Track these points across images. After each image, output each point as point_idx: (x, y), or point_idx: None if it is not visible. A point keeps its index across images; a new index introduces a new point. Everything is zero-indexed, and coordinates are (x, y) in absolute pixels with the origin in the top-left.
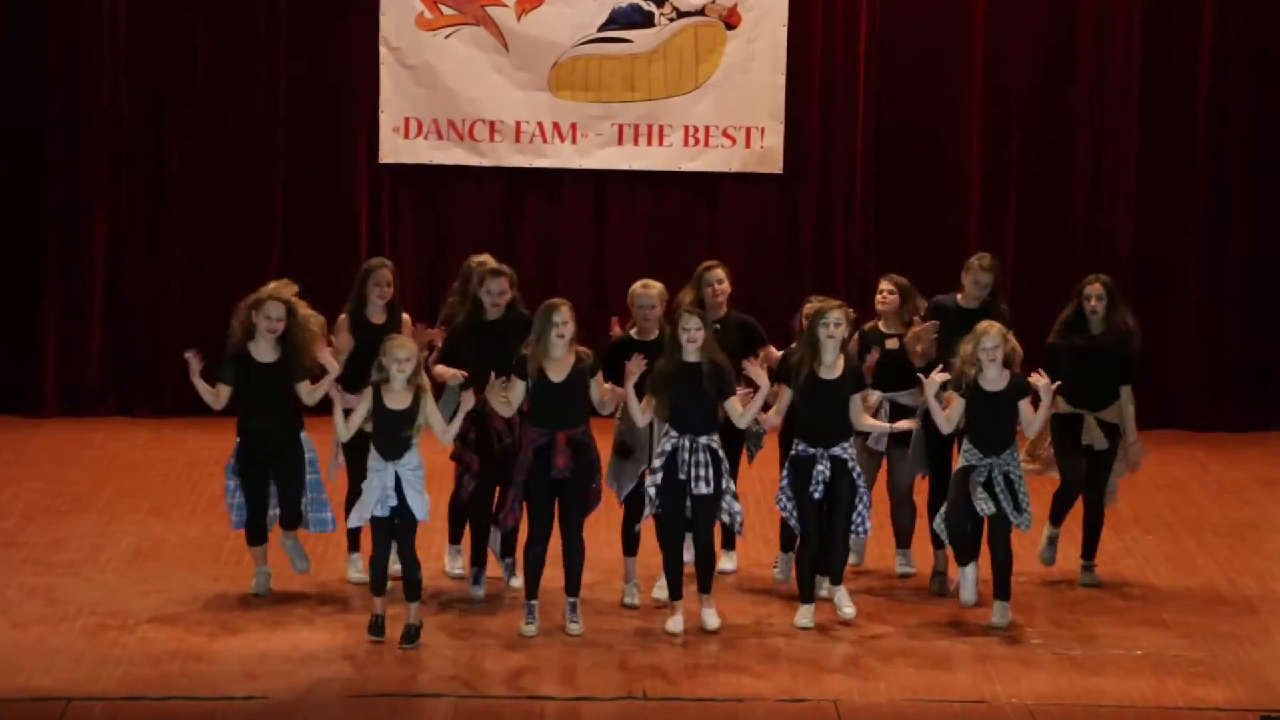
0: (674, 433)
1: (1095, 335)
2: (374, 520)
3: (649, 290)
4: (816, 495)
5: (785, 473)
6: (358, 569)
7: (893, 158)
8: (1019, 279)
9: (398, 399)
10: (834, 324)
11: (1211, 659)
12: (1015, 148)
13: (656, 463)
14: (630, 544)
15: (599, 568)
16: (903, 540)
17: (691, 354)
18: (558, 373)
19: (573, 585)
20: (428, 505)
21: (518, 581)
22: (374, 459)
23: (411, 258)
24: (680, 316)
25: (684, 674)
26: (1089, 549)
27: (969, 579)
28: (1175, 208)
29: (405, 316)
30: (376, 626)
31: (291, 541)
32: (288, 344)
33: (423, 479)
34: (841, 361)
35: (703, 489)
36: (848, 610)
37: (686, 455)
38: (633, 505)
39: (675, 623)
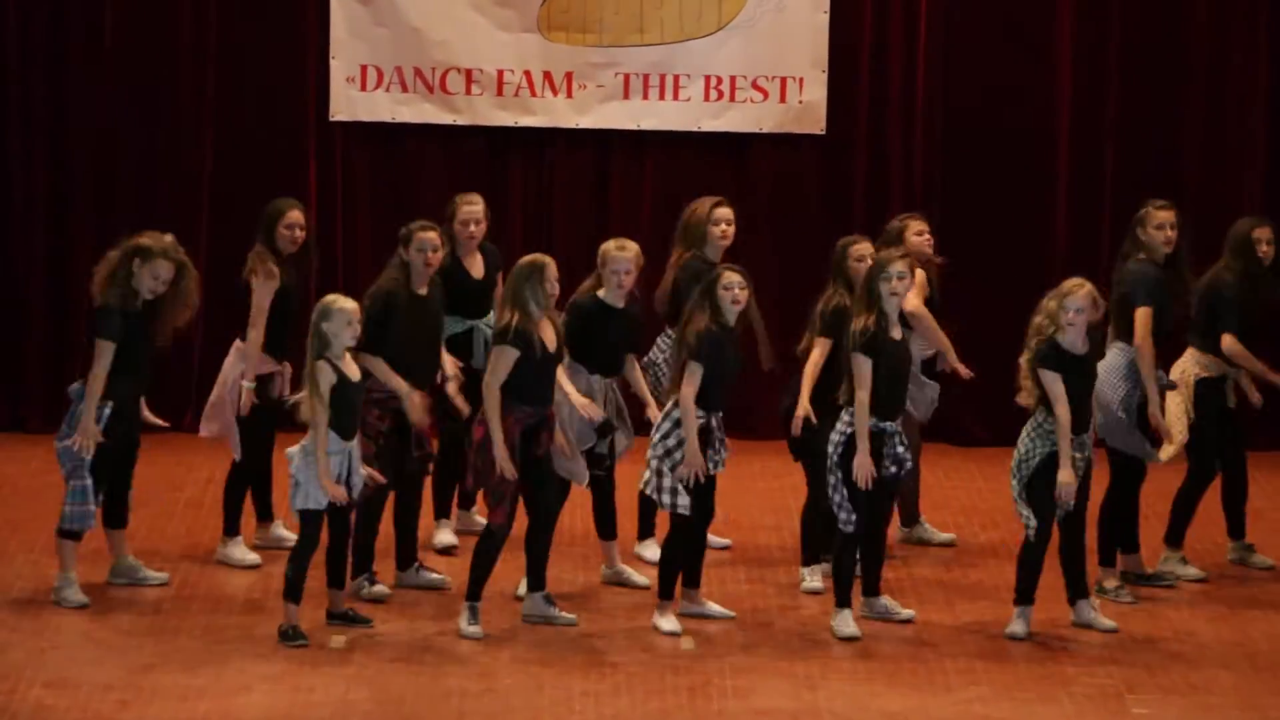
0: (701, 411)
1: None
2: (315, 510)
3: (625, 252)
4: (890, 473)
5: (834, 456)
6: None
7: (961, 115)
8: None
9: (351, 367)
10: (897, 277)
11: None
12: (1112, 105)
13: (678, 454)
14: (612, 528)
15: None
16: (907, 517)
17: (734, 316)
18: (551, 341)
19: (541, 578)
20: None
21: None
22: (332, 440)
23: (370, 236)
24: (720, 274)
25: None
26: (1240, 525)
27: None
28: None
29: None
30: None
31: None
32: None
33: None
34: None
35: (719, 469)
36: (904, 612)
37: (714, 435)
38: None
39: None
